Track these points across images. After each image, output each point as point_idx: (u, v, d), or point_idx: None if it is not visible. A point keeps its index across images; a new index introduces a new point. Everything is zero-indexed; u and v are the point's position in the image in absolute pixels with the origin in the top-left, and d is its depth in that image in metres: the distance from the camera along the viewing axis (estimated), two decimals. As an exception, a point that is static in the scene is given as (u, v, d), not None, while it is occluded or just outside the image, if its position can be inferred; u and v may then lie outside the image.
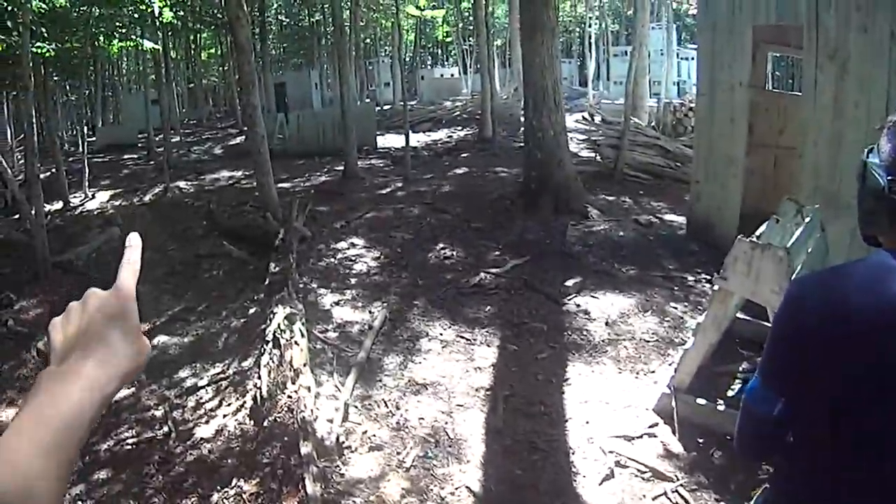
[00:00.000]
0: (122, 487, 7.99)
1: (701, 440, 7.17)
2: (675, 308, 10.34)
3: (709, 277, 11.23)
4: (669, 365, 8.62)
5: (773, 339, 2.25)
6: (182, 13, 32.95)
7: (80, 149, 26.52)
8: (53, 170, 22.16)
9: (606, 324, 9.89)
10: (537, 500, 6.62)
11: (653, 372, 8.69)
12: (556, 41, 15.23)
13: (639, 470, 6.78)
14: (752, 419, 2.32)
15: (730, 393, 8.07)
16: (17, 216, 20.16)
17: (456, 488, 6.94)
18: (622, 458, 6.93)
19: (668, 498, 6.42)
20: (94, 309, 1.23)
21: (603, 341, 9.43)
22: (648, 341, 9.41)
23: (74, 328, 1.22)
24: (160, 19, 24.80)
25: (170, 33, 35.55)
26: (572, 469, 6.93)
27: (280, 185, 17.32)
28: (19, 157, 28.25)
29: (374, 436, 7.93)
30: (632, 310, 10.25)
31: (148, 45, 24.17)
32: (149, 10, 23.02)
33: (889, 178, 1.99)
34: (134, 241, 1.32)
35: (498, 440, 7.58)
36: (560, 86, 15.18)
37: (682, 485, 6.56)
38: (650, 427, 7.43)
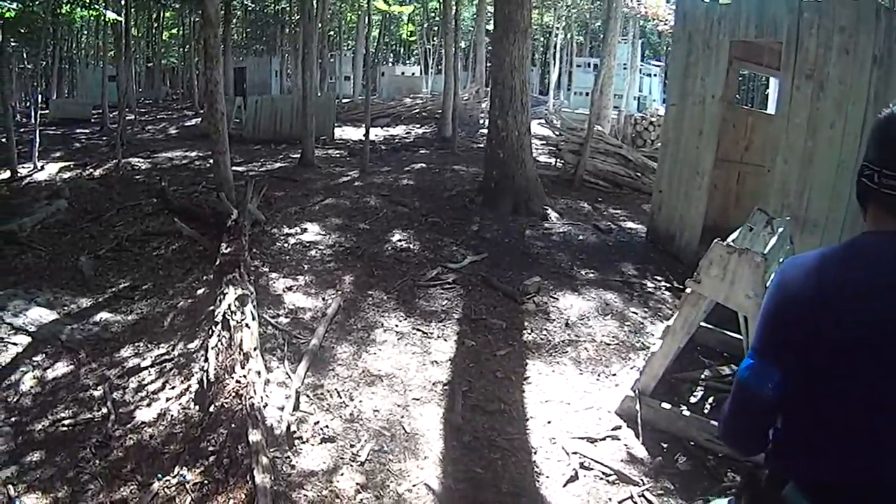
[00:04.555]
0: (57, 471, 7.40)
1: (665, 445, 6.98)
2: (636, 313, 10.16)
3: (668, 285, 11.17)
4: (631, 368, 8.45)
5: (766, 316, 2.36)
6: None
7: (33, 120, 25.54)
8: (3, 139, 21.27)
9: (566, 325, 9.67)
10: (499, 499, 6.36)
11: (614, 375, 8.47)
12: (528, 42, 15.05)
13: (603, 472, 6.57)
14: (748, 396, 2.37)
15: (692, 399, 7.92)
16: (-42, 186, 19.34)
17: (414, 485, 6.65)
18: (586, 460, 6.72)
19: (634, 502, 6.21)
20: None
21: (563, 342, 9.20)
22: (609, 344, 9.20)
23: None
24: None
25: (133, 7, 34.62)
26: (535, 469, 6.70)
27: (235, 168, 16.73)
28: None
29: (327, 427, 7.54)
30: (591, 312, 10.04)
31: (111, 15, 23.29)
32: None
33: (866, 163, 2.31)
34: None
35: (457, 437, 7.29)
36: (528, 87, 15.05)
37: (647, 489, 6.35)
38: (613, 429, 7.23)
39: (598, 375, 8.42)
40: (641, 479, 6.47)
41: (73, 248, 13.33)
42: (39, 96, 32.95)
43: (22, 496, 7.07)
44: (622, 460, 6.77)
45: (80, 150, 24.78)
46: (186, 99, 41.45)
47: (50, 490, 7.15)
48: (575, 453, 6.82)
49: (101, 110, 31.54)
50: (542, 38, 69.36)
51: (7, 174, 19.87)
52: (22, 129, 25.28)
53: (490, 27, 42.15)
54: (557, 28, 54.25)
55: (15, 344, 9.82)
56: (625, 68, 41.77)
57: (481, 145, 21.73)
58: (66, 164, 21.68)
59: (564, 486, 6.42)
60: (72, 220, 15.15)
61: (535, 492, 6.42)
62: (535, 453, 6.93)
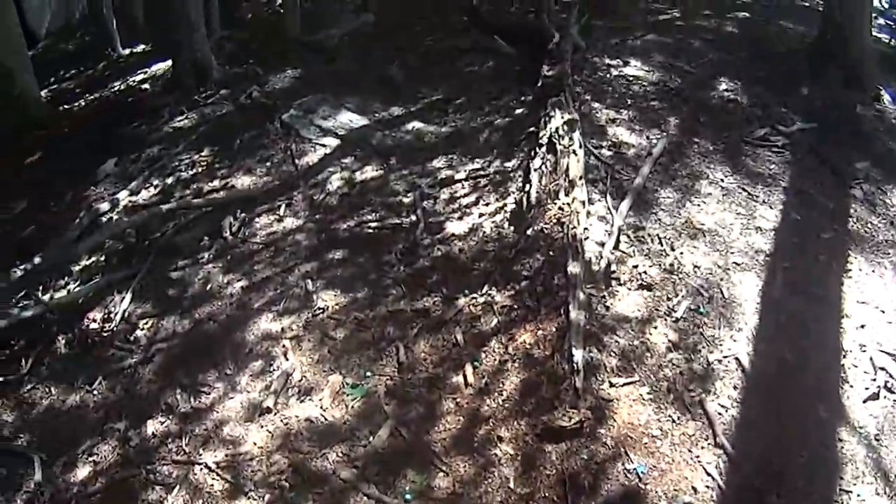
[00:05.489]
0: (358, 272, 7.64)
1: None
2: None
3: None
4: None
5: None
6: None
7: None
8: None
9: (892, 224, 8.60)
10: (801, 397, 6.08)
11: None
12: None
13: None
14: None
15: None
16: (265, -1, 20.23)
17: (725, 356, 6.33)
18: (890, 381, 6.23)
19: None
20: None
21: (886, 241, 8.25)
22: None
23: None
24: None
25: None
26: (841, 374, 6.32)
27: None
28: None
29: (645, 273, 7.15)
30: None
31: None
32: None
33: None
34: None
35: (772, 314, 6.84)
36: None
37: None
38: None
39: None
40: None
41: (382, 60, 13.44)
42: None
43: (320, 292, 7.35)
44: None
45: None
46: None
47: (349, 290, 7.38)
48: (882, 369, 6.32)
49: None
50: None
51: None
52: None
53: None
54: None
55: (323, 145, 10.08)
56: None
57: (807, 4, 19.80)
58: (370, -22, 22.00)
59: (864, 401, 6.10)
60: (379, 32, 15.29)
61: (836, 399, 6.11)
62: (844, 356, 6.48)
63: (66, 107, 13.46)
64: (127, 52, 16.74)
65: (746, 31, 15.48)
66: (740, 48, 13.92)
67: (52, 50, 19.02)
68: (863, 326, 6.81)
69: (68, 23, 21.40)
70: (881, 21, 18.10)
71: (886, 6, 19.69)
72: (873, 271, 7.69)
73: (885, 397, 6.12)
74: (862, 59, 12.74)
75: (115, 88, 14.04)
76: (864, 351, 6.53)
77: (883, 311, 7.04)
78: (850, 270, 7.65)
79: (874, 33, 14.76)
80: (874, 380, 6.24)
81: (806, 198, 8.88)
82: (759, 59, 13.33)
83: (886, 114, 11.49)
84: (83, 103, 13.63)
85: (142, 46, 16.92)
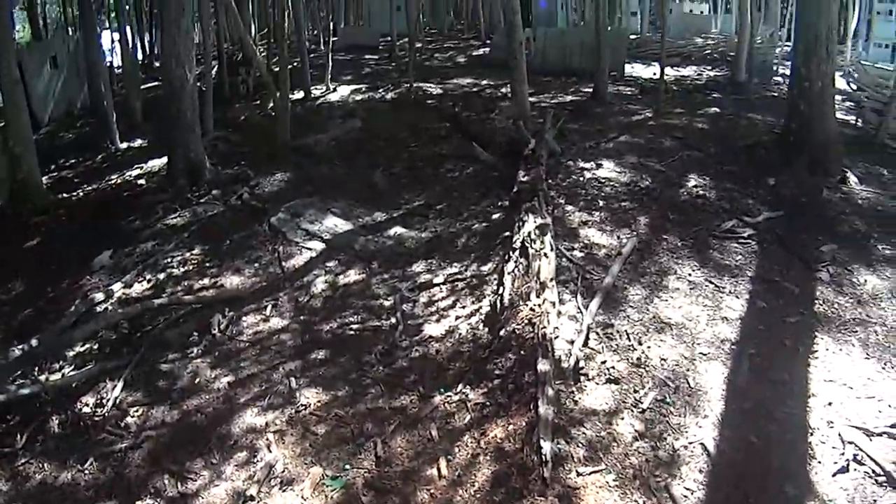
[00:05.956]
0: (339, 371, 8.10)
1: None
2: None
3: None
4: None
5: None
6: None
7: (322, 47, 27.40)
8: (297, 62, 22.94)
9: (858, 302, 9.08)
10: (768, 475, 6.33)
11: None
12: None
13: (874, 471, 6.32)
14: None
15: None
16: (257, 102, 21.17)
17: (690, 442, 6.66)
18: (860, 454, 6.48)
19: (901, 513, 5.90)
20: None
21: (853, 320, 8.69)
22: None
23: None
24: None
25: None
26: (808, 451, 6.59)
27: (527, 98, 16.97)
28: (261, 49, 29.58)
29: (613, 368, 7.61)
30: (885, 293, 9.29)
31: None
32: None
33: None
34: None
35: (737, 400, 7.22)
36: (834, 34, 13.88)
37: (917, 502, 5.95)
38: (891, 426, 6.86)
39: (885, 364, 7.89)
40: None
41: (368, 165, 14.20)
42: (330, 24, 35.23)
43: (303, 389, 7.80)
44: (895, 462, 6.40)
45: (369, 74, 26.18)
46: (471, 29, 42.45)
47: (331, 388, 7.84)
48: (851, 443, 6.59)
49: (389, 38, 33.04)
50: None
51: (301, 94, 21.46)
52: (311, 55, 27.08)
53: (791, -36, 39.56)
54: (859, -35, 49.20)
55: (309, 249, 10.72)
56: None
57: (775, 94, 20.67)
58: (357, 87, 23.00)
59: (834, 475, 6.32)
60: (365, 138, 16.10)
61: (805, 475, 6.34)
62: (811, 434, 6.78)
63: (65, 195, 14.17)
64: (125, 145, 17.63)
65: (716, 126, 16.27)
66: (710, 144, 14.64)
67: (54, 137, 19.94)
68: (830, 404, 7.13)
69: (70, 111, 22.42)
70: (848, 104, 18.91)
71: (854, 88, 20.53)
72: (840, 350, 8.08)
73: (854, 469, 6.35)
74: (827, 144, 13.33)
75: (113, 181, 14.82)
76: (832, 427, 6.82)
77: (851, 388, 7.39)
78: (816, 351, 8.03)
79: (841, 116, 15.41)
80: (843, 454, 6.49)
81: (772, 285, 9.37)
82: (728, 153, 14.03)
83: (852, 195, 12.08)
84: (81, 193, 14.36)
85: (139, 141, 17.86)
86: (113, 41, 28.96)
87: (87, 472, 6.93)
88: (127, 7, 28.30)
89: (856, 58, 35.46)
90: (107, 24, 29.47)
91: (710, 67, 28.12)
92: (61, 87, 22.42)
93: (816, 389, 7.40)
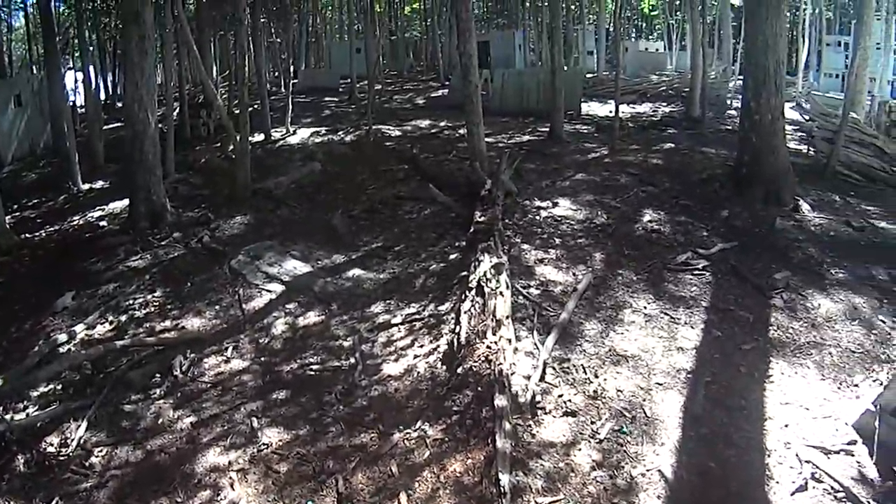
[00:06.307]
0: (300, 411, 8.21)
1: (897, 469, 6.69)
2: (884, 322, 9.53)
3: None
4: (874, 381, 8.10)
5: None
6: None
7: (283, 89, 27.67)
8: (257, 105, 23.18)
9: (812, 326, 9.39)
10: (727, 499, 6.47)
11: (856, 385, 8.14)
12: (782, 18, 14.33)
13: (832, 488, 6.49)
14: None
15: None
16: (217, 144, 21.35)
17: (648, 470, 6.81)
18: (817, 472, 6.67)
19: (859, 526, 6.06)
20: None
21: (807, 343, 8.98)
22: (854, 352, 8.80)
23: None
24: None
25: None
26: (766, 473, 6.76)
27: (485, 139, 17.30)
28: (223, 91, 29.81)
29: (570, 401, 7.77)
30: (838, 315, 9.62)
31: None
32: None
33: None
34: None
35: (694, 427, 7.38)
36: (782, 68, 14.40)
37: (875, 514, 6.13)
38: (848, 444, 7.07)
39: (840, 384, 8.16)
40: (869, 502, 6.31)
41: (327, 207, 14.39)
42: (291, 67, 35.55)
43: (265, 429, 7.89)
44: (853, 478, 6.61)
45: (329, 117, 26.52)
46: (430, 70, 43.08)
47: (292, 427, 7.94)
48: (808, 462, 6.78)
49: (349, 80, 33.51)
50: (789, 14, 65.28)
51: (261, 137, 21.68)
52: (272, 97, 27.36)
53: (736, 1, 40.31)
54: (805, 2, 50.58)
55: (269, 291, 10.85)
56: (878, 48, 38.27)
57: (730, 127, 21.31)
58: (317, 129, 23.31)
59: (792, 494, 6.46)
60: (325, 181, 16.32)
61: (763, 497, 6.48)
62: (769, 456, 6.95)
63: (27, 236, 14.24)
64: (87, 186, 17.77)
65: (671, 161, 16.68)
66: (665, 179, 15.02)
67: (17, 176, 19.98)
68: (786, 426, 7.32)
69: (33, 150, 22.44)
70: (800, 133, 19.39)
71: (806, 118, 21.07)
72: (796, 373, 8.32)
73: (813, 487, 6.51)
74: (778, 174, 13.74)
75: (75, 223, 14.92)
76: (790, 448, 7.00)
77: (807, 409, 7.60)
78: (771, 376, 8.26)
79: (793, 145, 15.85)
80: (800, 473, 6.65)
81: (727, 314, 9.63)
82: (683, 187, 14.41)
83: (805, 222, 12.46)
84: (44, 234, 14.45)
85: (101, 183, 17.99)
86: (76, 81, 29.09)
87: (52, 511, 6.91)
88: (91, 48, 28.47)
89: (807, 88, 36.27)
90: (70, 64, 29.53)
91: (665, 103, 28.72)
92: (25, 125, 22.50)
93: (773, 412, 7.60)
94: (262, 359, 9.28)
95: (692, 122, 23.87)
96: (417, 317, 9.82)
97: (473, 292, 9.31)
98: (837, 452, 6.93)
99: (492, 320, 8.58)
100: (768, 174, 13.82)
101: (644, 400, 7.81)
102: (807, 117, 21.12)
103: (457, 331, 8.83)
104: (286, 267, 11.45)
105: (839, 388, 8.09)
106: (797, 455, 6.88)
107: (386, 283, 11.02)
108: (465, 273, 10.27)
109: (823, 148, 17.28)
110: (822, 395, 7.91)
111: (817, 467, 6.70)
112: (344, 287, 10.93)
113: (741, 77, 25.65)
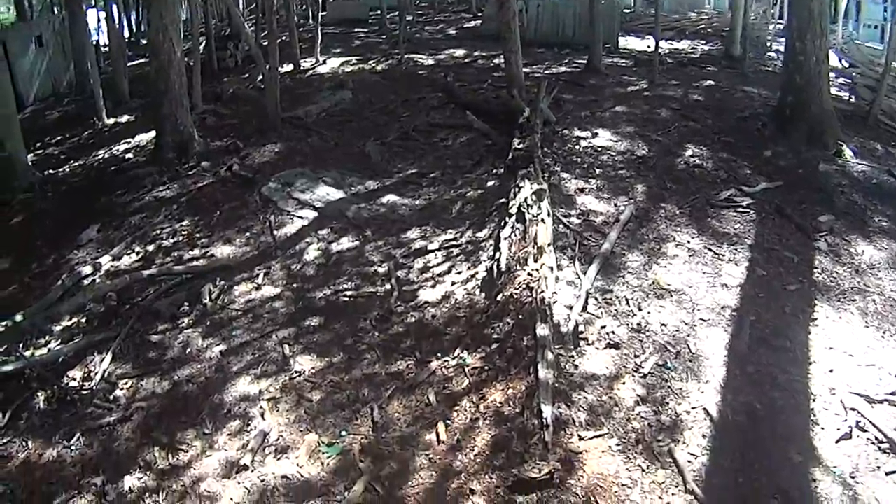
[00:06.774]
0: (334, 338, 8.06)
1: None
2: None
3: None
4: None
5: None
6: None
7: (311, 21, 27.19)
8: (286, 36, 22.74)
9: (856, 272, 9.14)
10: (772, 442, 6.31)
11: None
12: None
13: (877, 438, 6.34)
14: None
15: None
16: (245, 76, 20.98)
17: (693, 407, 6.63)
18: (862, 421, 6.51)
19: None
20: None
21: (851, 289, 8.75)
22: None
23: None
24: None
25: None
26: (811, 418, 6.60)
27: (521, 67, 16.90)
28: (250, 24, 29.32)
29: (612, 333, 7.56)
30: (882, 263, 9.36)
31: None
32: None
33: None
34: None
35: (740, 366, 7.21)
36: (827, 11, 13.94)
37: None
38: (892, 394, 6.89)
39: (884, 333, 7.94)
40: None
41: (359, 135, 14.09)
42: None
43: (297, 356, 7.77)
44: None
45: (359, 47, 25.97)
46: (462, 2, 42.25)
47: (325, 354, 7.80)
48: (853, 410, 6.63)
49: (379, 11, 32.89)
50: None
51: (290, 67, 21.27)
52: (301, 29, 26.86)
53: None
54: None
55: (301, 217, 10.63)
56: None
57: (770, 68, 20.74)
58: (347, 59, 22.83)
59: (837, 442, 6.34)
60: (356, 109, 15.99)
61: (808, 442, 6.35)
62: (814, 401, 6.80)
63: (51, 172, 14.05)
64: (111, 121, 17.45)
65: (712, 98, 16.23)
66: (706, 115, 14.64)
67: (40, 115, 19.73)
68: (831, 371, 7.15)
69: (55, 91, 22.18)
70: (841, 80, 18.88)
71: (847, 65, 20.51)
72: (840, 318, 8.11)
73: (857, 436, 6.37)
74: (822, 118, 13.37)
75: (100, 157, 14.71)
76: (834, 394, 6.83)
77: (851, 355, 7.42)
78: (816, 319, 8.06)
79: (834, 92, 15.45)
80: (845, 420, 6.51)
81: (771, 254, 9.38)
82: (724, 124, 14.04)
83: (848, 168, 12.10)
84: (68, 169, 14.27)
85: (126, 117, 17.68)
86: (99, 19, 28.67)
87: (73, 448, 6.85)
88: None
89: (847, 36, 35.50)
90: (93, 3, 29.17)
91: (704, 42, 28.12)
92: (46, 66, 22.20)
93: (818, 356, 7.41)
94: (294, 285, 9.11)
95: (732, 60, 23.20)
96: (455, 243, 9.61)
97: (514, 218, 9.07)
98: (882, 402, 6.78)
99: (533, 247, 8.34)
100: (812, 116, 13.45)
101: (688, 335, 7.62)
102: (847, 64, 20.44)
103: (496, 257, 8.61)
104: (318, 193, 11.19)
105: (882, 336, 7.90)
106: (842, 402, 6.74)
107: (422, 209, 10.78)
108: (503, 200, 10.05)
109: (866, 95, 16.85)
110: (865, 342, 7.72)
111: (862, 415, 6.56)
112: (378, 213, 10.70)
113: (781, 20, 24.89)
